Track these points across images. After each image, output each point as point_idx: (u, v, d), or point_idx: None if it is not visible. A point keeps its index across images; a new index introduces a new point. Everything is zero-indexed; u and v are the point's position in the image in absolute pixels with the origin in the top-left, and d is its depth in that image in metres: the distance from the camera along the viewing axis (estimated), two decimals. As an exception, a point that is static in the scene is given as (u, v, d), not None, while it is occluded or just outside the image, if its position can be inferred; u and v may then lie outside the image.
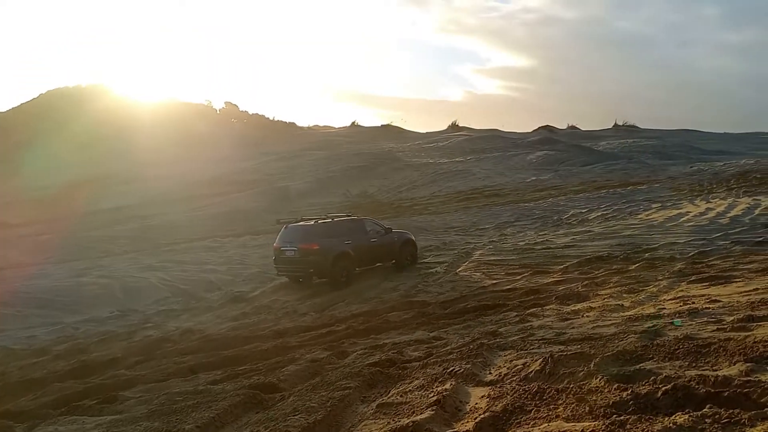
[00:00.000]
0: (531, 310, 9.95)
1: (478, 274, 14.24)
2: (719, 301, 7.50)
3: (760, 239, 14.57)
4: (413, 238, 16.95)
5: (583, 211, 26.94)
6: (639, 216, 23.22)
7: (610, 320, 7.58)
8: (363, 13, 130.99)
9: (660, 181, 35.20)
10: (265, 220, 35.41)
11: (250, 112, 67.35)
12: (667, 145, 54.51)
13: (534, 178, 40.71)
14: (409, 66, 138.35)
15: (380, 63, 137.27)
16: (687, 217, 20.18)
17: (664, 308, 7.84)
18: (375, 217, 31.96)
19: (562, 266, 13.93)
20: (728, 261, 12.32)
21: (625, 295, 10.18)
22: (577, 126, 71.60)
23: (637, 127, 69.22)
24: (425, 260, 16.50)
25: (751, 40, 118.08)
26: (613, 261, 13.90)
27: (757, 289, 8.11)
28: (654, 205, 25.53)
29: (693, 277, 10.68)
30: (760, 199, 22.56)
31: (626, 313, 8.00)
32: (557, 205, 30.60)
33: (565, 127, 71.23)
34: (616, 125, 69.62)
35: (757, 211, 19.19)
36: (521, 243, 18.08)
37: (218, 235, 25.82)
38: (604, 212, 25.67)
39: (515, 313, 9.76)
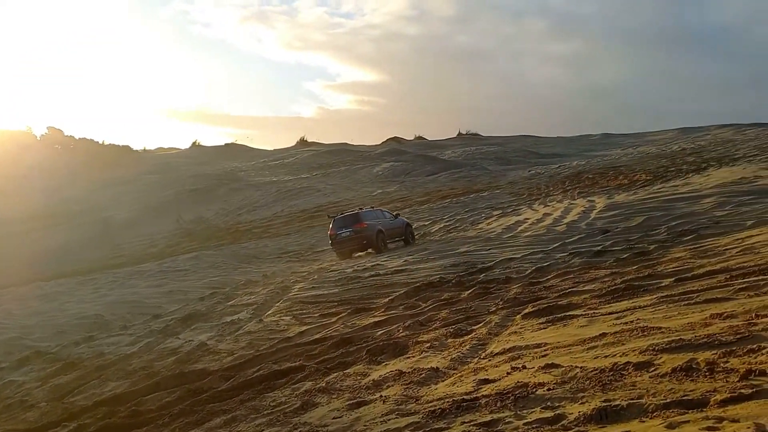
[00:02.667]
0: (330, 377, 7.29)
1: (287, 318, 11.39)
2: (558, 365, 5.17)
3: (599, 248, 13.17)
4: (409, 222, 22.24)
5: (426, 223, 25.35)
6: (480, 225, 21.90)
7: (408, 410, 5.03)
8: (205, 30, 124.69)
9: (501, 186, 34.86)
10: (80, 258, 30.49)
11: (77, 137, 60.29)
12: (508, 150, 55.40)
13: (380, 191, 38.92)
14: (259, 83, 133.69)
15: (229, 81, 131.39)
16: (524, 225, 18.96)
17: (487, 378, 5.42)
18: (209, 244, 28.52)
19: (387, 299, 11.48)
20: (567, 279, 10.48)
21: (448, 341, 7.84)
22: (424, 136, 71.61)
23: (480, 135, 70.40)
24: (232, 303, 13.40)
25: (574, 52, 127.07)
26: (445, 287, 11.69)
27: (604, 334, 5.92)
28: (495, 212, 24.50)
29: (529, 308, 8.60)
30: (594, 200, 21.99)
31: (435, 391, 5.50)
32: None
33: (412, 138, 71.01)
34: (460, 134, 70.40)
35: (593, 215, 18.24)
36: (349, 270, 15.53)
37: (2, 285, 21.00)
38: (447, 223, 24.19)
39: (306, 386, 7.04)
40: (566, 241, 14.74)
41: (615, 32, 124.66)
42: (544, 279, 10.84)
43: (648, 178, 27.82)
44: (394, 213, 22.28)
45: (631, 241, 13.41)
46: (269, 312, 12.12)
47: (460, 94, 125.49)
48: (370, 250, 20.13)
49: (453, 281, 12.08)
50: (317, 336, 9.85)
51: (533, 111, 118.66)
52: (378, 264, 15.68)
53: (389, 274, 13.96)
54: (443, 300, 10.59)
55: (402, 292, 11.82)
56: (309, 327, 10.54)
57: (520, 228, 18.58)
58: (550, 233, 16.42)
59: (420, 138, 71.25)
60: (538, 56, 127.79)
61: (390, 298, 11.53)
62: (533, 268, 12.13)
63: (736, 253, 9.51)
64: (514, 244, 15.73)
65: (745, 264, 8.17)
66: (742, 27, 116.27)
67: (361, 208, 21.48)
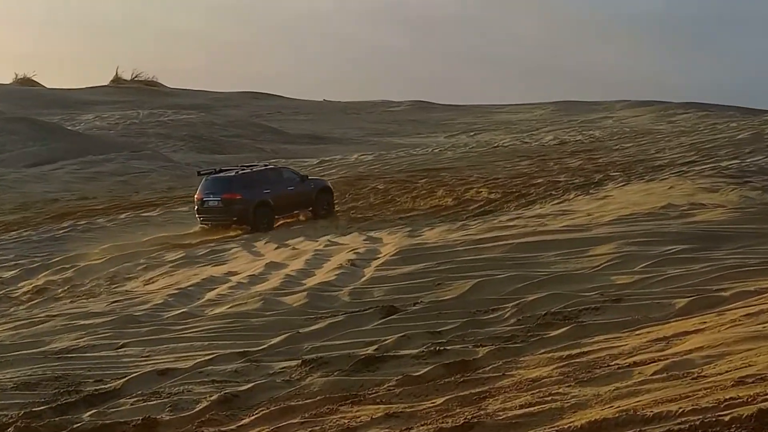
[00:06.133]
0: None
1: None
2: None
3: (373, 350, 12.92)
4: (330, 185, 32.98)
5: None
6: (132, 283, 21.32)
7: None
8: None
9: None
10: None
11: None
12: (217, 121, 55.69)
13: None
14: None
15: None
16: (224, 287, 19.13)
17: None
18: None
19: None
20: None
21: None
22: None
23: (161, 84, 70.55)
24: None
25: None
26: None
27: None
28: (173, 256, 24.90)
29: None
30: (379, 239, 22.87)
31: None
32: None
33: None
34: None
35: (369, 270, 18.61)
36: None
37: None
38: (54, 277, 22.85)
39: None
40: (302, 330, 14.26)
41: None
42: (230, 428, 9.70)
43: (493, 195, 28.62)
44: (303, 174, 32.39)
45: (439, 334, 13.13)
46: None
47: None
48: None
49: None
50: None
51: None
52: None
53: None
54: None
55: None
56: None
57: (212, 293, 17.97)
58: (273, 309, 15.85)
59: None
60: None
61: None
62: (217, 396, 11.19)
63: (657, 378, 8.96)
64: (185, 333, 15.00)
65: (681, 410, 7.55)
66: None
67: (249, 167, 32.32)
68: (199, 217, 29.58)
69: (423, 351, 12.28)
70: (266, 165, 33.71)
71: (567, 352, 11.23)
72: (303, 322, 14.79)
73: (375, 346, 12.81)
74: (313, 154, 45.88)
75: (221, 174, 30.26)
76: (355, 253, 20.16)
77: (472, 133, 50.89)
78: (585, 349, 11.28)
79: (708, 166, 28.93)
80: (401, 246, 20.16)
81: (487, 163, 37.04)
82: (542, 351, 11.52)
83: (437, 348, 12.36)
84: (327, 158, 45.79)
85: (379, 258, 19.22)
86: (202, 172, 31.27)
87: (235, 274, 19.91)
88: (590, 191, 26.11)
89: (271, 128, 54.57)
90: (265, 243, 25.97)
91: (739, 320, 11.63)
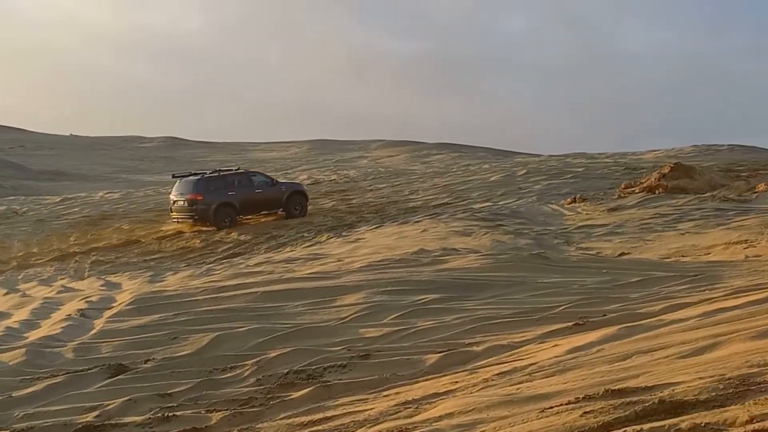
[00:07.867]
0: None
1: None
2: None
3: (96, 415, 12.70)
4: (304, 189, 42.35)
5: None
6: None
7: None
8: None
9: None
10: None
11: None
12: None
13: None
14: None
15: None
16: None
17: None
18: None
19: None
20: None
21: None
22: None
23: None
24: None
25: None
26: None
27: None
28: None
29: None
30: (118, 284, 23.38)
31: None
32: None
33: None
34: None
35: (100, 322, 18.47)
36: None
37: None
38: None
39: None
40: (15, 394, 14.01)
41: None
42: None
43: (243, 237, 31.68)
44: (275, 179, 41.93)
45: (170, 397, 13.41)
46: None
47: None
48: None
49: None
50: None
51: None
52: None
53: None
54: None
55: None
56: None
57: None
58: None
59: None
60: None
61: None
62: None
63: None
64: None
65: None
66: None
67: (217, 172, 41.18)
68: (171, 215, 38.23)
69: (149, 417, 12.25)
70: (236, 170, 42.68)
71: (309, 418, 11.36)
72: (18, 384, 14.43)
73: (96, 413, 12.65)
74: (57, 191, 45.56)
75: (190, 177, 38.83)
76: (87, 301, 20.28)
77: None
78: (328, 414, 11.42)
79: (461, 208, 30.97)
80: (138, 294, 20.46)
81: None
82: (282, 416, 11.64)
83: (165, 414, 12.34)
84: (70, 196, 46.20)
85: (113, 307, 19.41)
86: (176, 175, 40.50)
87: None
88: (343, 234, 27.76)
89: (11, 163, 54.11)
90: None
91: (492, 380, 11.91)
